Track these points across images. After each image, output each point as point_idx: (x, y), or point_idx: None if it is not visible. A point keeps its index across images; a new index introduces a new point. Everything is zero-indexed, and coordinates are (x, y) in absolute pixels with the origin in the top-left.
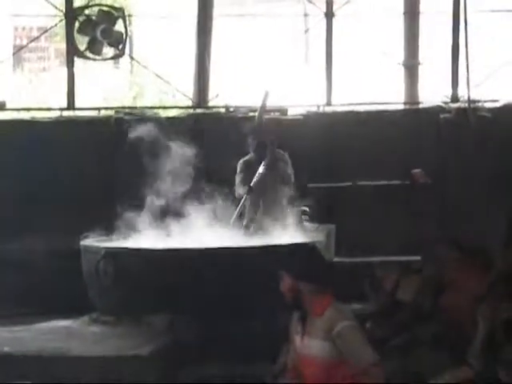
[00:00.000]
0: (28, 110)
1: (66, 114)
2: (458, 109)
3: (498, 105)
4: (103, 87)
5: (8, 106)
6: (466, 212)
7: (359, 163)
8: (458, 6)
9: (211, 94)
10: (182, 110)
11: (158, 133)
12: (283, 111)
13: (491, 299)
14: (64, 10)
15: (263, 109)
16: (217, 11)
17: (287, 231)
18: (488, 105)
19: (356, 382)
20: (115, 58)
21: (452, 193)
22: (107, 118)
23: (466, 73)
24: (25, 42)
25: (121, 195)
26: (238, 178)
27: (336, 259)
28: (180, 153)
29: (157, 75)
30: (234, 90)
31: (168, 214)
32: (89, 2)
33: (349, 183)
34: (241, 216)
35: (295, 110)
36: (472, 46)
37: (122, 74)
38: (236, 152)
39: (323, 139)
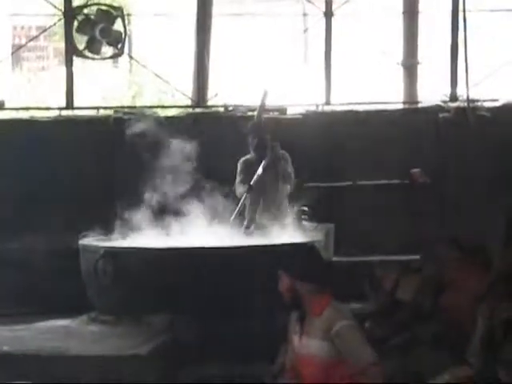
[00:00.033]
0: (27, 109)
1: (64, 113)
2: (457, 108)
3: (497, 104)
4: (102, 86)
5: (7, 105)
6: (465, 211)
7: (358, 162)
8: (456, 6)
9: (210, 93)
10: (181, 110)
11: (157, 132)
12: (282, 110)
13: (491, 299)
14: (63, 9)
15: (262, 108)
16: (216, 10)
17: (286, 230)
18: (487, 104)
19: (355, 382)
20: (114, 57)
21: (451, 192)
22: (106, 118)
23: (465, 72)
24: (24, 41)
25: (120, 194)
26: (238, 178)
27: (335, 258)
28: (179, 152)
29: (156, 74)
30: (233, 89)
31: (167, 213)
32: (88, 2)
33: (348, 182)
34: (240, 215)
35: (294, 110)
36: (471, 45)
37: (120, 74)
38: (235, 151)
39: (322, 139)
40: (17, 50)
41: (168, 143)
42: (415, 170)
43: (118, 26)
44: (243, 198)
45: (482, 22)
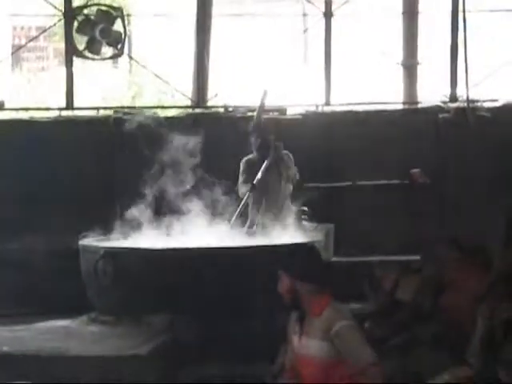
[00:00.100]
0: (27, 109)
1: (64, 113)
2: (457, 108)
3: (497, 104)
4: (102, 87)
5: (7, 105)
6: (465, 212)
7: (358, 163)
8: (456, 6)
9: (210, 93)
10: (180, 110)
11: (157, 132)
12: (282, 111)
13: (491, 299)
14: (63, 10)
15: (262, 108)
16: (215, 10)
17: (287, 231)
18: (487, 104)
19: (354, 382)
20: (114, 57)
21: (451, 192)
22: (106, 118)
23: (464, 72)
24: (23, 42)
25: (120, 195)
26: (240, 177)
27: (335, 259)
28: (179, 152)
29: (155, 75)
30: (233, 89)
31: (167, 213)
32: (87, 2)
33: (348, 183)
34: (241, 216)
35: (294, 110)
36: (471, 45)
37: (120, 74)
38: (235, 152)
39: (322, 139)
40: (17, 50)
41: (168, 144)
42: (415, 171)
43: (117, 26)
44: (245, 197)
45: (482, 23)
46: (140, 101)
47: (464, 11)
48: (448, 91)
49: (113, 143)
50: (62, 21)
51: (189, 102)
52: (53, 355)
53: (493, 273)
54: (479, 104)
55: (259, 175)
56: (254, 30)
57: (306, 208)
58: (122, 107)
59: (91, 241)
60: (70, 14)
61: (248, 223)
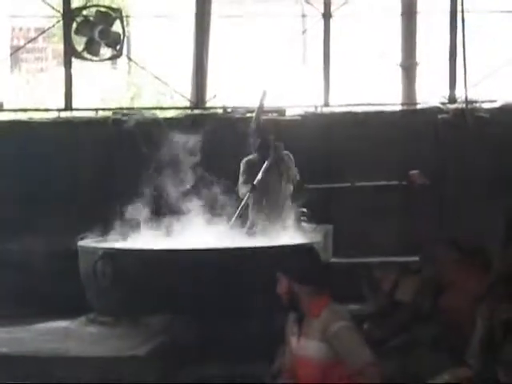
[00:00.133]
0: (25, 110)
1: (63, 114)
2: (456, 109)
3: (495, 105)
4: (101, 88)
5: (5, 106)
6: (464, 213)
7: (357, 164)
8: (455, 7)
9: (209, 94)
10: (179, 111)
11: (156, 133)
12: (281, 112)
13: (490, 300)
14: (62, 11)
15: (261, 109)
16: (214, 11)
17: (286, 232)
18: (486, 105)
19: (353, 383)
20: (113, 58)
21: (450, 193)
22: (105, 119)
23: (463, 73)
24: (22, 43)
25: (119, 196)
26: (241, 178)
27: (334, 260)
28: (177, 153)
29: (154, 76)
30: (232, 90)
31: (166, 213)
32: (86, 3)
33: (347, 184)
34: (241, 216)
35: (293, 111)
36: (470, 46)
37: (119, 75)
38: (234, 152)
39: (321, 140)
40: (15, 51)
41: (166, 145)
42: (414, 172)
43: (116, 27)
44: (246, 197)
45: (481, 23)
46: (139, 102)
47: (462, 12)
48: (447, 92)
49: (111, 144)
50: (61, 22)
51: (188, 103)
52: (52, 356)
53: (492, 274)
54: (478, 105)
55: (259, 176)
56: (252, 31)
57: (304, 209)
58: (121, 108)
59: (90, 242)
60: (68, 15)
61: (248, 224)
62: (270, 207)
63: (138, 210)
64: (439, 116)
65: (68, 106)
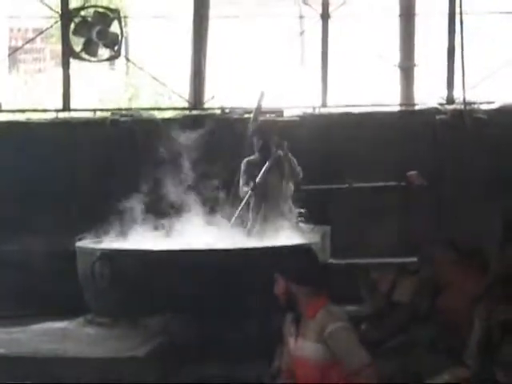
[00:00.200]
0: (23, 111)
1: (61, 115)
2: (454, 110)
3: (493, 106)
4: (99, 88)
5: (3, 107)
6: (462, 214)
7: (355, 165)
8: (453, 8)
9: (207, 95)
10: (177, 112)
11: (154, 134)
12: (279, 112)
13: (488, 301)
14: (59, 12)
15: (258, 110)
16: (212, 12)
17: (284, 232)
18: (484, 106)
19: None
20: (111, 59)
21: (448, 194)
22: (103, 120)
23: (461, 74)
24: (20, 44)
25: (117, 197)
26: (242, 178)
27: (331, 260)
28: (176, 154)
29: (152, 77)
30: (230, 91)
31: (165, 214)
32: (84, 4)
33: (345, 185)
34: (242, 216)
35: (291, 112)
36: (468, 47)
37: (117, 76)
38: (232, 153)
39: (319, 141)
40: (13, 52)
41: (165, 145)
42: (412, 173)
43: (114, 28)
44: (246, 197)
45: (479, 25)
46: (137, 102)
47: (461, 13)
48: (445, 93)
49: (110, 145)
50: (59, 22)
51: (185, 104)
52: (49, 357)
53: (490, 274)
54: (476, 106)
55: (260, 176)
56: (250, 32)
57: (302, 210)
58: (119, 109)
59: (88, 243)
60: (66, 15)
61: (248, 224)
62: (270, 208)
63: (137, 211)
64: (437, 117)
65: (66, 107)
